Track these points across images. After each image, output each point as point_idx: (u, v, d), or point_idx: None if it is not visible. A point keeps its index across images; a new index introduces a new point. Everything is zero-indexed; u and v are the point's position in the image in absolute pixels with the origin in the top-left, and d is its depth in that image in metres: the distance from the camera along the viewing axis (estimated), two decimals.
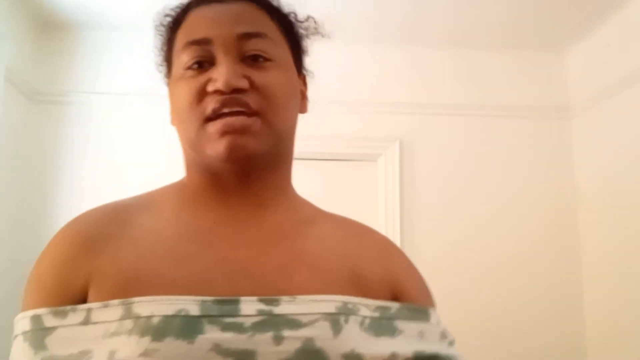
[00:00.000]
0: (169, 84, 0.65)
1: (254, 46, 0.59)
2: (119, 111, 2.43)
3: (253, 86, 0.58)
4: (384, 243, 0.67)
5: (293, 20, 0.68)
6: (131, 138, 2.41)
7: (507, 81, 2.57)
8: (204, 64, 0.59)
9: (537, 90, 2.57)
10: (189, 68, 0.59)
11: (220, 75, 0.56)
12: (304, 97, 0.69)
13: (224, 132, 0.56)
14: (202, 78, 0.58)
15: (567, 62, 2.58)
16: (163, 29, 0.66)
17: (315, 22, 0.70)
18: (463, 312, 2.31)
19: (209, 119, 0.57)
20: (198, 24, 0.61)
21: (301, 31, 0.69)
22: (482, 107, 2.54)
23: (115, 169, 2.37)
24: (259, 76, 0.58)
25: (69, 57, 2.44)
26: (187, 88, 0.58)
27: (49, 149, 2.37)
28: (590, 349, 2.33)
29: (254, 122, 0.57)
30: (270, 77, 0.59)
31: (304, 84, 0.70)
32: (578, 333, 2.36)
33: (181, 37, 0.61)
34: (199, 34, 0.59)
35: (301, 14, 0.69)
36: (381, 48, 2.52)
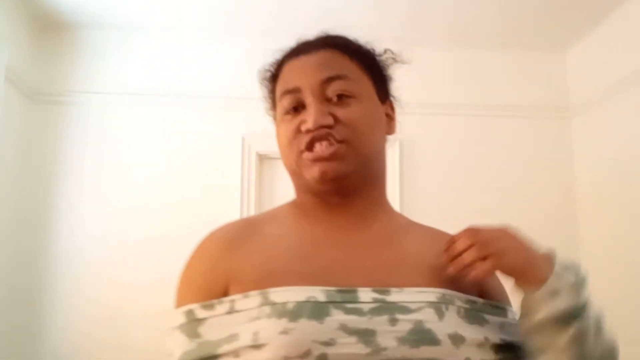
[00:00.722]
0: (275, 124, 0.78)
1: (336, 87, 0.71)
2: (118, 111, 2.43)
3: (337, 121, 0.70)
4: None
5: (372, 56, 0.80)
6: (131, 138, 2.41)
7: (507, 81, 2.57)
8: (298, 108, 0.72)
9: (537, 90, 2.57)
10: (287, 113, 0.73)
11: (309, 117, 0.69)
12: (391, 119, 0.83)
13: (316, 160, 0.70)
14: (297, 120, 0.71)
15: (567, 62, 2.59)
16: (266, 82, 0.81)
17: (392, 52, 0.86)
18: None
19: (303, 151, 0.70)
20: (290, 76, 0.74)
21: (381, 63, 0.83)
22: (482, 107, 2.54)
23: (115, 168, 2.37)
24: (342, 112, 0.70)
25: (69, 57, 2.44)
26: (285, 129, 0.72)
27: (49, 149, 2.37)
28: None
29: (339, 149, 0.69)
30: (352, 111, 0.71)
31: (392, 108, 0.85)
32: None
33: (279, 88, 0.75)
34: (291, 85, 0.73)
35: (379, 48, 0.83)
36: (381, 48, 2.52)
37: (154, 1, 2.27)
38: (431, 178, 2.46)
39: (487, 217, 2.65)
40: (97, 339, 2.19)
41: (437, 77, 2.56)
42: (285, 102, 0.73)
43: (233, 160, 2.40)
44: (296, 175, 0.74)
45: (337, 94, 0.71)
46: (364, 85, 0.75)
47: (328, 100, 0.71)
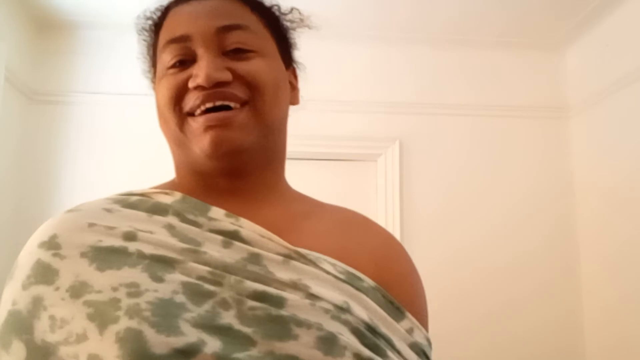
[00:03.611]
0: (154, 88, 0.64)
1: (234, 38, 0.58)
2: (118, 111, 2.42)
3: (236, 76, 0.57)
4: (382, 240, 0.64)
5: (277, 13, 0.66)
6: (131, 138, 2.40)
7: (507, 81, 2.57)
8: (185, 62, 0.58)
9: (536, 90, 2.57)
10: (171, 67, 0.59)
11: (201, 70, 0.55)
12: (294, 88, 0.68)
13: (207, 127, 0.55)
14: (183, 75, 0.57)
15: (567, 62, 2.59)
16: (146, 33, 0.66)
17: (300, 13, 0.68)
18: (462, 316, 2.31)
19: (190, 114, 0.57)
20: (177, 22, 0.60)
21: (286, 24, 0.67)
22: (481, 106, 2.54)
23: (115, 168, 2.37)
24: (243, 66, 0.58)
25: (69, 57, 2.44)
26: (168, 85, 0.58)
27: (48, 149, 2.37)
28: (589, 354, 2.33)
29: (237, 113, 0.56)
30: (254, 66, 0.58)
31: (294, 76, 0.69)
32: (577, 338, 2.36)
33: (162, 38, 0.61)
34: (177, 32, 0.59)
35: (285, 6, 0.67)
36: (381, 48, 2.52)
37: (153, 1, 2.27)
38: (430, 178, 2.46)
39: (486, 217, 2.68)
40: None
41: (436, 77, 2.56)
42: (168, 54, 0.59)
43: None
44: (178, 146, 0.60)
45: (236, 47, 0.58)
46: (268, 42, 0.62)
47: (224, 53, 0.58)
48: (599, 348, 2.28)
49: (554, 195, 2.49)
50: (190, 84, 0.56)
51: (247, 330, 0.47)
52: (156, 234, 0.52)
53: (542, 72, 2.59)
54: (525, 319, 2.35)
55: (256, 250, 0.53)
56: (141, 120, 2.42)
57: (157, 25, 0.64)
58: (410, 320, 0.55)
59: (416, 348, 0.54)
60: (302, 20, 0.68)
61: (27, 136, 2.34)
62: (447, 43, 2.53)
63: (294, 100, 0.67)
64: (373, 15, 2.32)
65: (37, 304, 0.48)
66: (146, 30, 0.66)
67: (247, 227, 0.55)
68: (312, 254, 0.54)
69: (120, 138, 2.40)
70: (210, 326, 0.46)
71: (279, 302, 0.49)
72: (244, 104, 0.57)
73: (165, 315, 0.46)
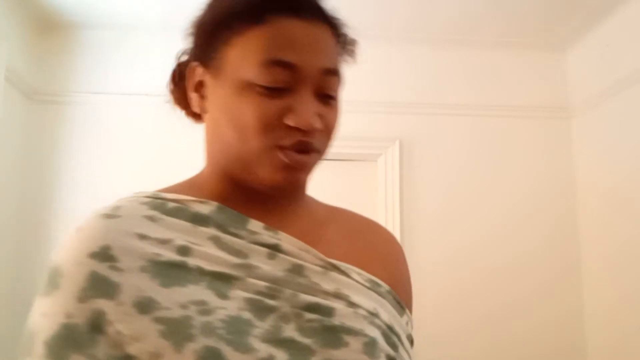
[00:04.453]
0: (210, 74, 0.59)
1: (331, 85, 0.58)
2: (118, 111, 2.43)
3: (322, 125, 0.58)
4: (387, 244, 0.70)
5: (351, 46, 0.66)
6: (131, 137, 2.41)
7: (507, 81, 2.57)
8: (281, 88, 0.56)
9: (537, 90, 2.57)
10: (267, 88, 0.55)
11: (305, 113, 0.55)
12: None
13: (288, 167, 0.56)
14: (279, 104, 0.55)
15: (567, 62, 2.58)
16: (230, 13, 0.58)
17: (356, 45, 0.67)
18: (462, 315, 2.31)
19: (281, 148, 0.56)
20: (287, 43, 0.55)
21: (347, 54, 0.66)
22: (481, 106, 2.54)
23: (115, 168, 2.37)
24: (327, 115, 0.58)
25: (69, 57, 2.44)
26: (261, 110, 0.55)
27: (49, 149, 2.37)
28: (590, 354, 2.33)
29: (311, 160, 0.58)
30: (334, 116, 0.60)
31: None
32: (578, 337, 2.36)
33: (262, 45, 0.55)
34: (289, 57, 0.55)
35: (355, 39, 0.67)
36: (381, 48, 2.52)
37: (153, 1, 2.27)
38: (430, 178, 2.46)
39: (486, 217, 2.68)
40: None
41: (436, 77, 2.56)
42: (271, 75, 0.55)
43: None
44: (242, 163, 0.58)
45: (329, 94, 0.58)
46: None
47: (316, 93, 0.57)
48: (600, 347, 2.28)
49: (555, 195, 2.49)
50: (289, 122, 0.55)
51: (307, 341, 0.51)
52: (205, 247, 0.54)
53: (543, 73, 2.59)
54: (526, 318, 2.35)
55: (298, 261, 0.57)
56: (142, 120, 2.43)
57: (248, 15, 0.57)
58: (407, 315, 0.64)
59: (410, 338, 0.63)
60: (355, 52, 0.67)
61: (27, 136, 2.34)
62: (447, 43, 2.52)
63: None
64: (373, 15, 2.32)
65: (99, 318, 0.48)
66: (232, 12, 0.58)
67: (286, 240, 0.58)
68: (343, 265, 0.59)
69: (122, 138, 2.40)
70: (276, 340, 0.50)
71: (329, 312, 0.54)
72: (317, 152, 0.59)
73: (237, 332, 0.49)
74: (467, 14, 2.32)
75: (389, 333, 0.57)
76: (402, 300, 0.64)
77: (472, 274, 2.37)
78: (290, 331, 0.51)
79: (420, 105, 2.52)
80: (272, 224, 0.60)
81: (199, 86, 0.61)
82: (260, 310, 0.52)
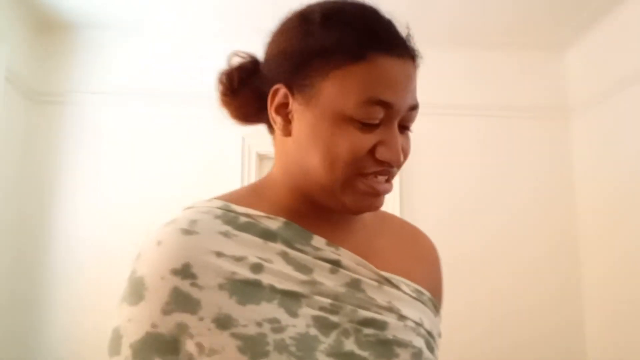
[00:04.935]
0: (299, 100, 0.61)
1: (412, 119, 0.62)
2: (118, 111, 2.43)
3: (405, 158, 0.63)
4: (427, 250, 0.75)
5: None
6: (131, 138, 2.41)
7: (507, 81, 2.57)
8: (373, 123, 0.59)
9: (537, 91, 2.57)
10: (364, 124, 0.58)
11: (394, 148, 0.59)
12: None
13: (372, 194, 0.60)
14: (371, 139, 0.58)
15: (567, 62, 2.59)
16: (335, 45, 0.59)
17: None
18: (463, 323, 2.31)
19: (364, 175, 0.60)
20: (390, 83, 0.58)
21: None
22: (481, 106, 2.54)
23: (114, 168, 2.37)
24: (406, 146, 0.63)
25: (69, 57, 2.44)
26: (356, 144, 0.58)
27: (48, 149, 2.37)
28: None
29: (390, 187, 0.63)
30: (409, 146, 0.64)
31: None
32: (579, 347, 2.36)
33: (363, 82, 0.57)
34: (388, 97, 0.58)
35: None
36: None
37: (153, 1, 2.27)
38: (430, 178, 2.46)
39: (486, 217, 2.67)
40: (95, 346, 2.19)
41: (436, 78, 2.56)
42: (370, 111, 0.57)
43: (233, 160, 2.40)
44: (328, 187, 0.60)
45: (408, 125, 0.62)
46: None
47: (399, 126, 0.61)
48: (600, 356, 2.27)
49: (555, 195, 2.49)
50: (380, 156, 0.59)
51: (364, 354, 0.57)
52: (275, 264, 0.59)
53: (543, 73, 2.59)
54: (527, 328, 2.34)
55: (356, 276, 0.62)
56: (142, 120, 2.43)
57: (351, 52, 0.58)
58: (440, 317, 0.71)
59: (439, 336, 0.70)
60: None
61: (27, 136, 2.34)
62: (448, 43, 2.52)
63: None
64: None
65: (182, 330, 0.54)
66: (341, 50, 0.58)
67: (345, 255, 0.63)
68: (394, 278, 0.65)
69: (121, 138, 2.41)
70: (339, 354, 0.56)
71: (383, 326, 0.60)
72: (392, 179, 0.63)
73: (306, 349, 0.54)
74: (468, 14, 2.32)
75: (429, 339, 0.65)
76: (438, 303, 0.71)
77: (472, 281, 2.36)
78: (350, 345, 0.57)
79: (420, 105, 2.52)
80: (333, 239, 0.65)
81: (281, 107, 0.62)
82: (325, 326, 0.57)
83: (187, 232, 0.58)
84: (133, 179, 2.37)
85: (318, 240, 0.63)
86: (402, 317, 0.62)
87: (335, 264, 0.62)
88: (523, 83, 2.57)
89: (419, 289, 0.67)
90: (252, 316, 0.54)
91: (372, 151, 0.59)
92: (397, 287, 0.64)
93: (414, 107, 0.62)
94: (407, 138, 0.63)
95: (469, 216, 2.44)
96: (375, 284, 0.63)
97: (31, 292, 2.24)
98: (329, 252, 0.62)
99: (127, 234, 2.31)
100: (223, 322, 0.54)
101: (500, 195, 2.47)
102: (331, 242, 0.64)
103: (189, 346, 0.53)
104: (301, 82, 0.60)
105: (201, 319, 0.54)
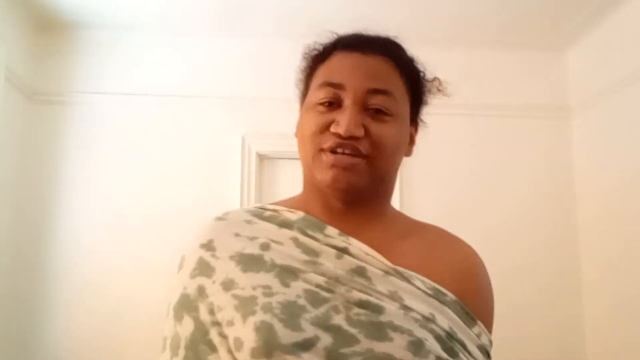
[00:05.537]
0: (301, 105, 0.76)
1: (377, 101, 0.69)
2: (118, 111, 2.43)
3: (367, 134, 0.68)
4: (463, 257, 0.75)
5: (420, 77, 0.79)
6: (131, 138, 2.41)
7: (507, 81, 2.57)
8: (333, 103, 0.69)
9: (537, 90, 2.57)
10: (321, 104, 0.70)
11: (343, 121, 0.67)
12: (412, 141, 0.80)
13: (332, 166, 0.67)
14: (329, 116, 0.69)
15: (567, 62, 2.58)
16: (309, 58, 0.76)
17: (440, 82, 0.84)
18: None
19: (324, 150, 0.68)
20: (338, 69, 0.71)
21: (425, 87, 0.81)
22: (481, 106, 2.54)
23: (114, 168, 2.37)
24: (375, 127, 0.68)
25: (69, 57, 2.44)
26: (315, 121, 0.70)
27: (48, 149, 2.37)
28: (590, 358, 2.33)
29: (359, 163, 0.68)
30: (385, 130, 0.69)
31: (416, 130, 0.82)
32: (578, 342, 2.36)
33: (321, 74, 0.72)
34: (336, 79, 0.70)
35: (430, 74, 0.81)
36: None
37: (153, 1, 2.27)
38: (429, 178, 2.46)
39: (486, 217, 2.67)
40: (95, 346, 2.19)
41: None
42: (322, 93, 0.70)
43: (233, 160, 2.40)
44: (308, 169, 0.72)
45: (376, 108, 0.69)
46: (404, 106, 0.74)
47: (365, 109, 0.69)
48: (600, 352, 2.28)
49: (555, 195, 2.49)
50: (332, 128, 0.68)
51: (353, 330, 0.59)
52: (284, 245, 0.68)
53: (543, 72, 2.59)
54: (526, 323, 2.34)
55: (362, 264, 0.66)
56: (141, 120, 2.43)
57: (320, 57, 0.74)
58: (479, 327, 0.71)
59: (482, 349, 0.71)
60: (439, 88, 0.84)
61: (27, 136, 2.34)
62: (447, 43, 2.52)
63: (408, 153, 0.79)
64: (372, 16, 2.32)
65: (201, 291, 0.65)
66: (310, 57, 0.76)
67: (355, 244, 0.68)
68: (407, 272, 0.67)
69: (121, 137, 2.40)
70: (324, 325, 0.59)
71: (378, 309, 0.61)
72: (364, 157, 0.68)
73: (290, 314, 0.59)
74: (467, 14, 2.32)
75: (447, 339, 0.63)
76: (474, 311, 0.70)
77: None
78: (339, 320, 0.60)
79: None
80: (348, 231, 0.70)
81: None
82: (316, 300, 0.61)
83: (219, 218, 0.73)
84: (132, 179, 2.37)
85: (331, 230, 0.70)
86: (405, 307, 0.63)
87: (342, 251, 0.67)
88: (523, 82, 2.57)
89: (439, 288, 0.67)
90: (249, 282, 0.63)
91: (329, 127, 0.68)
92: (408, 280, 0.66)
93: (375, 91, 0.69)
94: (384, 122, 0.69)
95: (469, 216, 2.44)
96: (381, 273, 0.66)
97: (31, 292, 2.24)
98: (339, 241, 0.68)
99: (127, 234, 2.32)
100: (227, 285, 0.64)
101: (500, 195, 2.47)
102: (344, 232, 0.70)
103: (206, 304, 0.64)
104: (303, 93, 0.77)
105: (214, 282, 0.65)
